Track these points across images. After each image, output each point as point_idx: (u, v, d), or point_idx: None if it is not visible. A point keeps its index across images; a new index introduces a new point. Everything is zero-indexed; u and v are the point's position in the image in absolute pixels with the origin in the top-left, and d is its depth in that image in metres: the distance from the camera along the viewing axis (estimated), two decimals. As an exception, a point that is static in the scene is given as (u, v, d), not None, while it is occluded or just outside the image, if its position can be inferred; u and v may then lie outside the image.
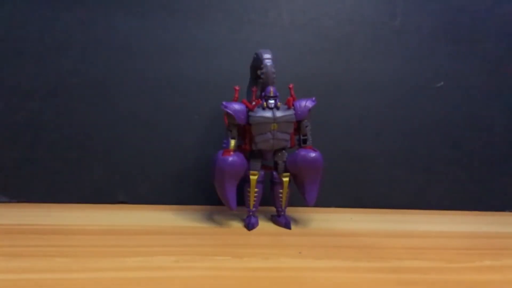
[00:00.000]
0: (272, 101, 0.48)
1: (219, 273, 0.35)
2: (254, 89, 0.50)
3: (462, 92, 0.65)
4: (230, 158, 0.47)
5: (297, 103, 0.49)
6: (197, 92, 0.62)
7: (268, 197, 0.54)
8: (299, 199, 0.52)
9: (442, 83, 0.65)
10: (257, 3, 0.62)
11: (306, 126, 0.50)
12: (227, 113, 0.48)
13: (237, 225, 0.51)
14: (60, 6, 0.59)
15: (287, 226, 0.50)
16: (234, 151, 0.48)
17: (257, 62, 0.49)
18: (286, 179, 0.51)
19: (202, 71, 0.62)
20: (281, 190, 0.52)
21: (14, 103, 0.59)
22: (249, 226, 0.49)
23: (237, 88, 0.50)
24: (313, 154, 0.48)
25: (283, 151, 0.51)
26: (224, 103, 0.49)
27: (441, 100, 0.65)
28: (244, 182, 0.51)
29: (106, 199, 0.61)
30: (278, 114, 0.48)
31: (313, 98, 0.50)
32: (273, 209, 0.53)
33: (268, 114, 0.48)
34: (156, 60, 0.61)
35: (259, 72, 0.48)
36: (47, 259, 0.37)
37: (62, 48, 0.59)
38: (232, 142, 0.49)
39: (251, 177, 0.50)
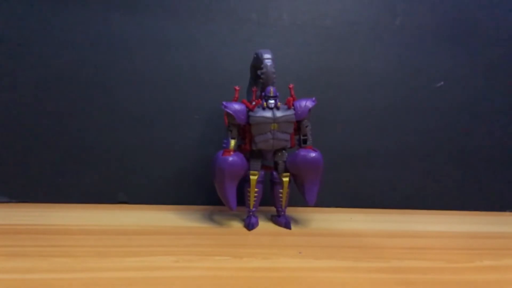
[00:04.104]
0: (272, 101, 0.48)
1: (219, 273, 0.35)
2: (254, 89, 0.50)
3: (462, 92, 0.65)
4: (230, 158, 0.47)
5: (297, 103, 0.49)
6: (197, 92, 0.62)
7: (268, 197, 0.54)
8: (299, 199, 0.52)
9: (442, 83, 0.65)
10: (257, 3, 0.62)
11: (306, 126, 0.50)
12: (227, 113, 0.48)
13: (237, 225, 0.51)
14: (60, 5, 0.59)
15: (287, 226, 0.50)
16: (234, 151, 0.48)
17: (257, 62, 0.49)
18: (286, 179, 0.51)
19: (202, 71, 0.62)
20: (281, 190, 0.52)
21: (13, 103, 0.59)
22: (249, 226, 0.49)
23: (237, 88, 0.50)
24: (313, 154, 0.48)
25: (283, 151, 0.51)
26: (224, 103, 0.49)
27: (441, 100, 0.65)
28: (244, 182, 0.51)
29: (106, 199, 0.61)
30: (278, 114, 0.48)
31: (313, 98, 0.50)
32: (273, 209, 0.53)
33: (268, 114, 0.48)
34: (156, 60, 0.61)
35: (259, 72, 0.48)
36: (47, 259, 0.37)
37: (62, 47, 0.59)
38: (232, 142, 0.49)
39: (251, 177, 0.50)
